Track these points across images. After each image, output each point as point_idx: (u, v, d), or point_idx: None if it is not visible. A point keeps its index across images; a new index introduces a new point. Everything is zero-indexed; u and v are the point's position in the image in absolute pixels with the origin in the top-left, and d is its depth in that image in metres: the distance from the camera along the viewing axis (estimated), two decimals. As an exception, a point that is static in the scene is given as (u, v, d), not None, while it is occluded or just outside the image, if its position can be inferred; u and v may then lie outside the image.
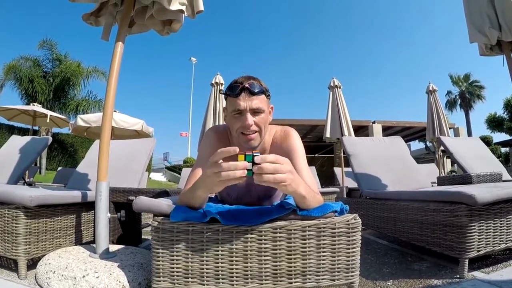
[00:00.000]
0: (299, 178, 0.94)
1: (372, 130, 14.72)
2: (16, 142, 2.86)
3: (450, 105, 28.18)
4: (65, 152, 15.64)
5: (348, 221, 1.05)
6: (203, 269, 1.01)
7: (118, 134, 6.22)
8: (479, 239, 1.51)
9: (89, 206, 1.87)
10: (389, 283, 1.52)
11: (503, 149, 19.09)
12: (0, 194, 1.49)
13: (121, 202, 1.96)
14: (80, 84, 14.50)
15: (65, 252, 1.53)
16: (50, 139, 2.90)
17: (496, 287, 1.37)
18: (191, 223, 1.02)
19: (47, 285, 1.30)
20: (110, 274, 1.28)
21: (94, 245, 1.55)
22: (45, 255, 1.53)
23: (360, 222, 1.07)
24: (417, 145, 23.98)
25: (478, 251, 1.51)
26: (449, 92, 28.13)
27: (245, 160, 0.82)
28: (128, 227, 2.10)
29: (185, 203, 1.06)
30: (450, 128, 12.83)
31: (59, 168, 8.34)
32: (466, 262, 1.50)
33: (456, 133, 15.59)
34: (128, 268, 1.35)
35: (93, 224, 1.91)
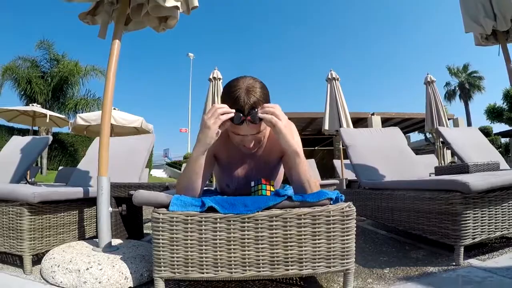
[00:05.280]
0: (294, 130, 1.16)
1: (371, 122, 14.64)
2: (17, 142, 2.89)
3: (450, 96, 28.15)
4: (66, 152, 15.65)
5: (342, 209, 1.07)
6: (202, 257, 1.04)
7: (118, 131, 6.22)
8: (474, 226, 1.53)
9: (91, 202, 1.91)
10: (386, 271, 1.55)
11: (503, 140, 19.08)
12: (4, 191, 1.52)
13: (122, 197, 1.99)
14: (79, 83, 14.50)
15: (69, 247, 1.56)
16: (51, 138, 2.93)
17: (491, 274, 1.39)
18: (190, 213, 1.05)
19: (52, 279, 1.34)
20: (113, 266, 1.31)
21: (97, 239, 1.59)
22: (49, 250, 1.56)
23: (355, 210, 1.09)
24: (417, 136, 24.04)
25: (474, 238, 1.53)
26: (447, 83, 28.08)
27: None
28: (130, 222, 2.13)
29: (184, 182, 1.15)
30: (449, 119, 12.79)
31: (60, 168, 8.37)
32: (462, 249, 1.52)
33: (456, 124, 15.51)
34: (130, 260, 1.38)
35: (95, 219, 1.94)
